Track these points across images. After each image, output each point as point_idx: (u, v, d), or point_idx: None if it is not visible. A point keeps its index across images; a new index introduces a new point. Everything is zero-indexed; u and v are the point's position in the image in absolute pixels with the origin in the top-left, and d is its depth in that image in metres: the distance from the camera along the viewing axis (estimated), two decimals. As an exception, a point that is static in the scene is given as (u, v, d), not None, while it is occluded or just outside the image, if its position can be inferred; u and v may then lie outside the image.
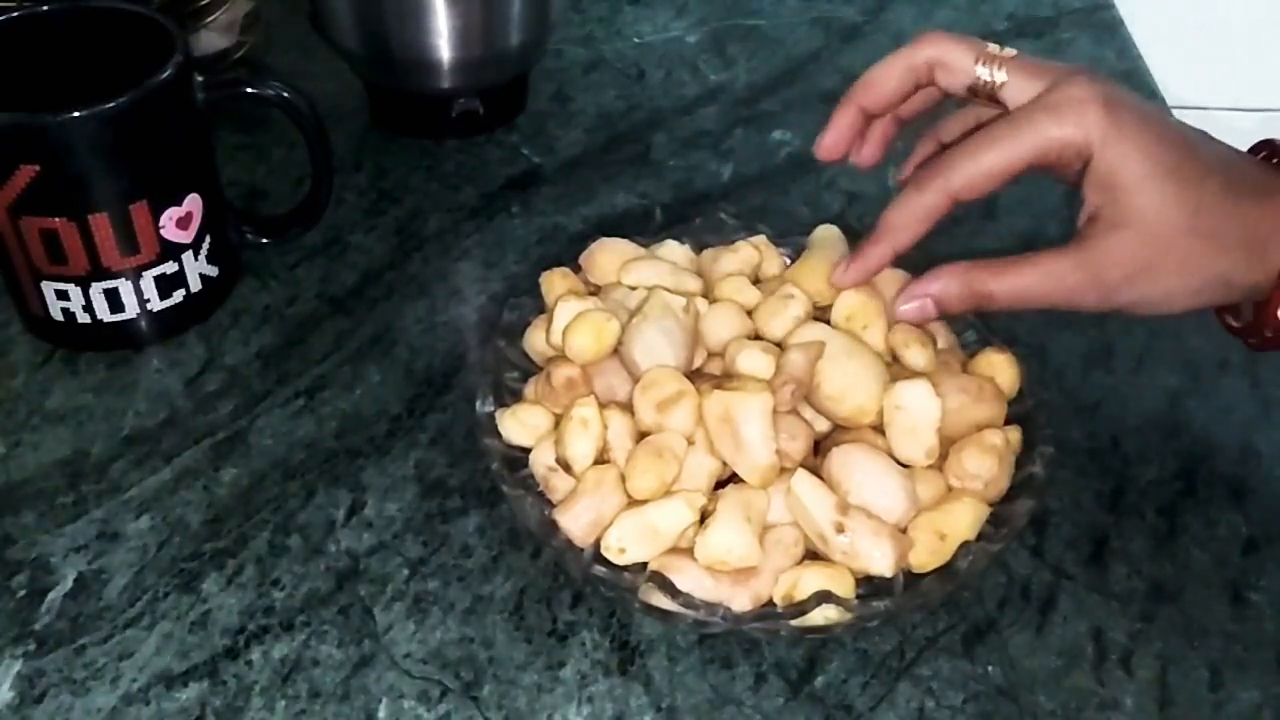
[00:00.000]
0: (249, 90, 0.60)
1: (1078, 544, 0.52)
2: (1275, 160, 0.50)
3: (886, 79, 0.50)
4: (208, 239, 0.60)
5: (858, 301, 0.51)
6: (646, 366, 0.49)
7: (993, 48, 0.49)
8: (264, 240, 0.65)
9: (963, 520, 0.47)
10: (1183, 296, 0.47)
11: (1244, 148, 0.50)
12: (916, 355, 0.50)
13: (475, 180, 0.72)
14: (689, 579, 0.45)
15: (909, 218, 0.48)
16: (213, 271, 0.61)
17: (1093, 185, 0.46)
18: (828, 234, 0.56)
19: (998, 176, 0.46)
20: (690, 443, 0.48)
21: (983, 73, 0.48)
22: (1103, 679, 0.47)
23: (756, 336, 0.52)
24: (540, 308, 0.54)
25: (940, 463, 0.48)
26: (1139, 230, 0.45)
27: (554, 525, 0.47)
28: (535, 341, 0.53)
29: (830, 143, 0.52)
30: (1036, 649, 0.48)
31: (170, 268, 0.59)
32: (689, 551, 0.46)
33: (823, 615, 0.45)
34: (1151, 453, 0.55)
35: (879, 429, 0.49)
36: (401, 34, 0.69)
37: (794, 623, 0.45)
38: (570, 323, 0.50)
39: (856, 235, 0.58)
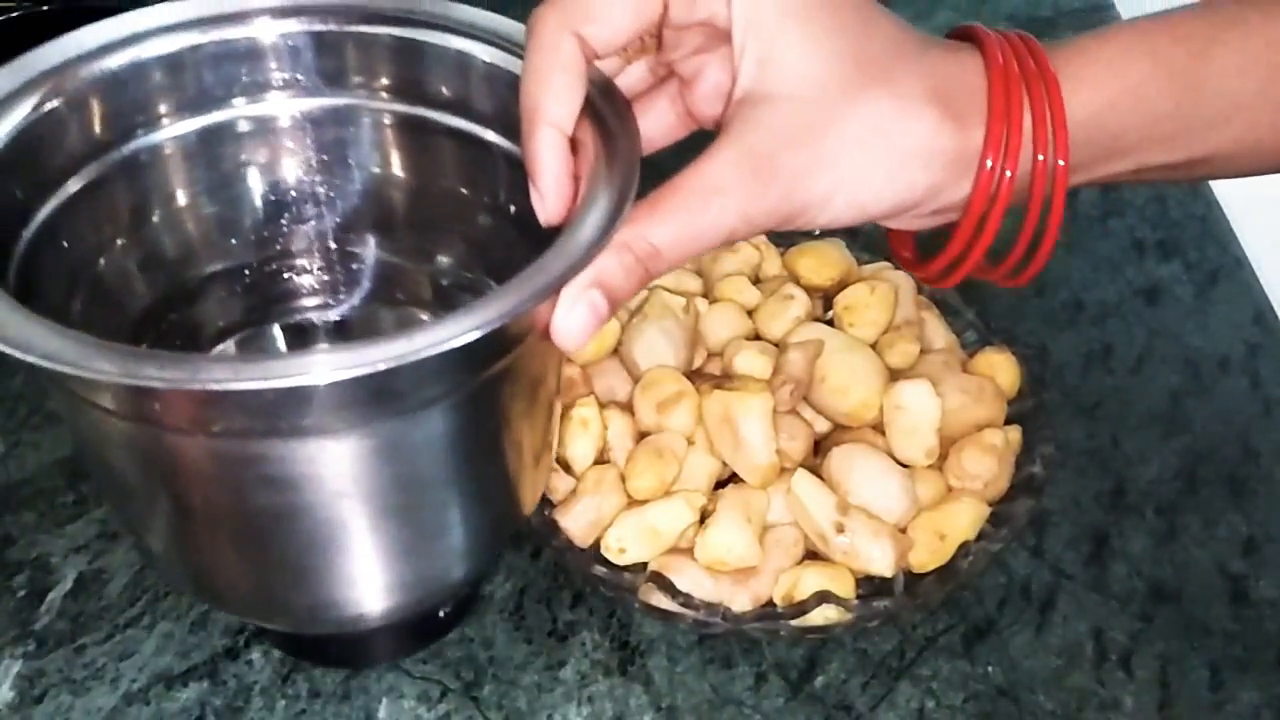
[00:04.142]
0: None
1: (1078, 544, 0.52)
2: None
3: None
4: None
5: (858, 293, 0.51)
6: (646, 366, 0.49)
7: None
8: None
9: (963, 520, 0.47)
10: (882, 179, 0.35)
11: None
12: (901, 353, 0.50)
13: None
14: (689, 579, 0.45)
15: (533, 66, 0.36)
16: (213, 271, 0.61)
17: (737, 54, 0.36)
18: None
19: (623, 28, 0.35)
20: (690, 443, 0.48)
21: None
22: (1103, 679, 0.47)
23: (756, 336, 0.52)
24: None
25: (940, 463, 0.48)
26: (794, 86, 0.35)
27: (554, 525, 0.47)
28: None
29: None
30: (1036, 649, 0.48)
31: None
32: (689, 551, 0.46)
33: (823, 615, 0.45)
34: (1151, 453, 0.55)
35: (879, 429, 0.49)
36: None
37: (794, 623, 0.45)
38: (570, 323, 0.50)
39: (856, 235, 0.58)
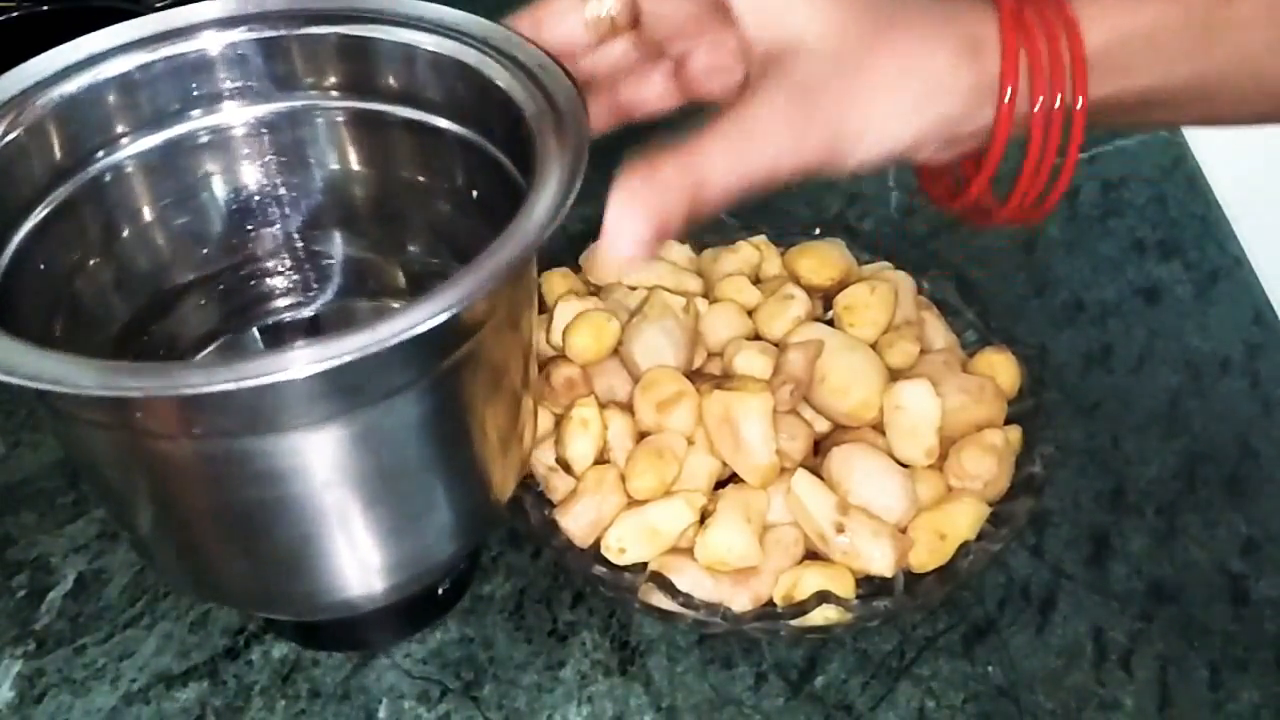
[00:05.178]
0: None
1: (1078, 544, 0.52)
2: None
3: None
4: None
5: (858, 293, 0.51)
6: (646, 366, 0.49)
7: None
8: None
9: (963, 520, 0.47)
10: (910, 109, 0.38)
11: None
12: (901, 353, 0.50)
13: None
14: (689, 579, 0.45)
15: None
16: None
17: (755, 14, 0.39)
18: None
19: None
20: (690, 443, 0.48)
21: None
22: (1103, 679, 0.47)
23: (756, 336, 0.52)
24: (541, 307, 0.55)
25: (940, 463, 0.48)
26: (826, 36, 0.38)
27: (554, 525, 0.47)
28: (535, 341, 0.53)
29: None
30: (1036, 649, 0.48)
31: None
32: (689, 551, 0.46)
33: (823, 615, 0.45)
34: (1151, 453, 0.55)
35: (879, 429, 0.49)
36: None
37: (794, 623, 0.45)
38: (570, 323, 0.50)
39: (856, 235, 0.58)
